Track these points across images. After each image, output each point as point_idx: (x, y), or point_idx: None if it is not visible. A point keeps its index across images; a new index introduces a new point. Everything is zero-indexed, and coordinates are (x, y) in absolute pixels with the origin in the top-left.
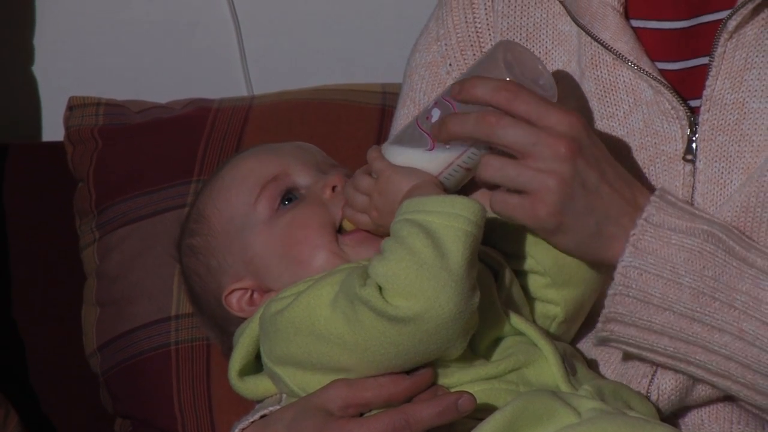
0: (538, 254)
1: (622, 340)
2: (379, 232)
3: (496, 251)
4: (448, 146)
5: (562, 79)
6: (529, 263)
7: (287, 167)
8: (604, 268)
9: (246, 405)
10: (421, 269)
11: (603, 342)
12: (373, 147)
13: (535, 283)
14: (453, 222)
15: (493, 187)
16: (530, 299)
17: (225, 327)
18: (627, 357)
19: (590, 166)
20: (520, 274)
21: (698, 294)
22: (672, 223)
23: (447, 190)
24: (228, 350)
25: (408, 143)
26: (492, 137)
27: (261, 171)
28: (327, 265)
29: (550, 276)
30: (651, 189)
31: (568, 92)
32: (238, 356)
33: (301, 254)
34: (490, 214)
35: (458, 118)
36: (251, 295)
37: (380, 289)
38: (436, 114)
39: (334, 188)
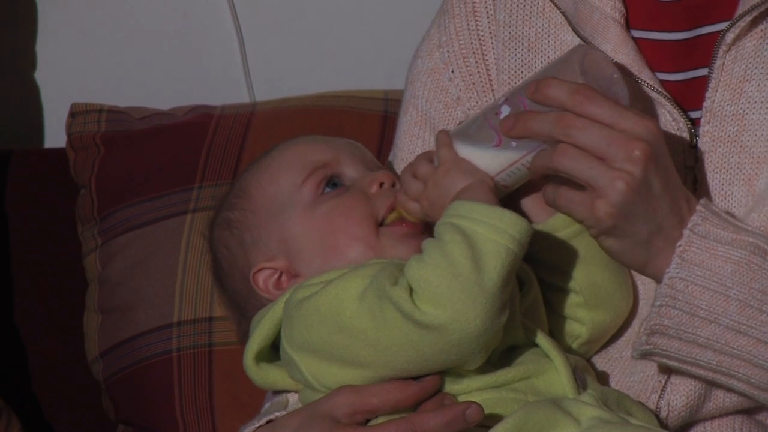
0: (576, 272)
1: (664, 354)
2: (427, 221)
3: (527, 264)
4: (514, 144)
5: None
6: (565, 279)
7: (338, 157)
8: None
9: (248, 412)
10: (455, 280)
11: (644, 355)
12: (443, 131)
13: (566, 300)
14: (497, 237)
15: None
16: (558, 315)
17: (245, 308)
18: (635, 372)
19: (659, 173)
20: (553, 288)
21: (745, 306)
22: (718, 235)
23: (506, 188)
24: (243, 335)
25: (474, 137)
26: (568, 137)
27: (312, 156)
28: (361, 258)
29: (583, 296)
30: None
31: None
32: (257, 338)
33: (337, 242)
34: (537, 226)
35: (538, 116)
36: (279, 276)
37: (411, 291)
38: (505, 110)
39: (381, 185)
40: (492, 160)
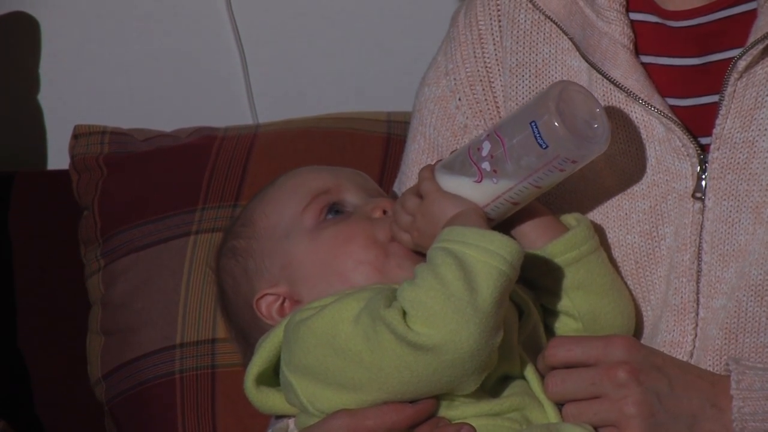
0: (576, 298)
1: None
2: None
3: (527, 290)
4: (495, 180)
5: None
6: (564, 304)
7: (341, 184)
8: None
9: None
10: (448, 300)
11: None
12: (426, 166)
13: (565, 326)
14: (489, 259)
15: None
16: None
17: (250, 335)
18: None
19: (655, 377)
20: (553, 314)
21: None
22: (756, 384)
23: (491, 221)
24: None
25: (458, 171)
26: (560, 395)
27: (314, 183)
28: (366, 282)
29: (582, 322)
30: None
31: None
32: (258, 361)
33: (343, 267)
34: (536, 251)
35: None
36: (282, 303)
37: (404, 313)
38: (486, 147)
39: (384, 212)
40: (475, 194)
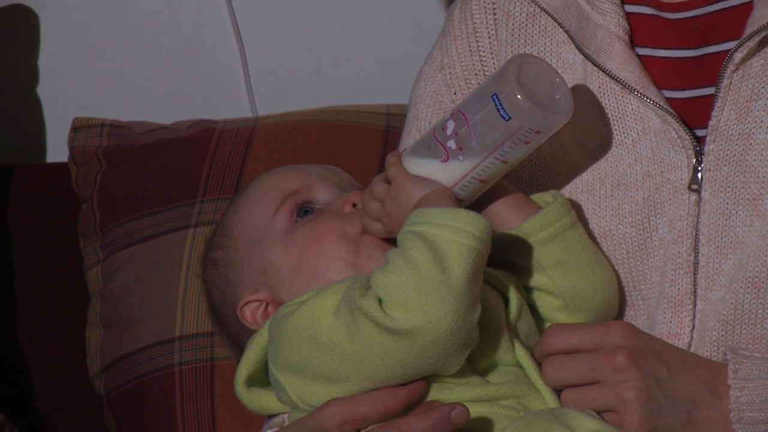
0: (555, 275)
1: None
2: (392, 239)
3: (509, 275)
4: (461, 158)
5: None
6: (544, 282)
7: (309, 183)
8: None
9: (250, 427)
10: (420, 283)
11: None
12: (393, 152)
13: (547, 304)
14: (457, 236)
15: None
16: (539, 319)
17: (241, 343)
18: None
19: (654, 363)
20: (533, 292)
21: None
22: (754, 373)
23: (461, 201)
24: None
25: (424, 153)
26: (558, 381)
27: (283, 185)
28: (341, 278)
29: (563, 299)
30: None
31: (579, 116)
32: (246, 363)
33: (317, 266)
34: (511, 231)
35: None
36: (265, 307)
37: (380, 300)
38: (450, 126)
39: (354, 205)
40: (442, 175)
